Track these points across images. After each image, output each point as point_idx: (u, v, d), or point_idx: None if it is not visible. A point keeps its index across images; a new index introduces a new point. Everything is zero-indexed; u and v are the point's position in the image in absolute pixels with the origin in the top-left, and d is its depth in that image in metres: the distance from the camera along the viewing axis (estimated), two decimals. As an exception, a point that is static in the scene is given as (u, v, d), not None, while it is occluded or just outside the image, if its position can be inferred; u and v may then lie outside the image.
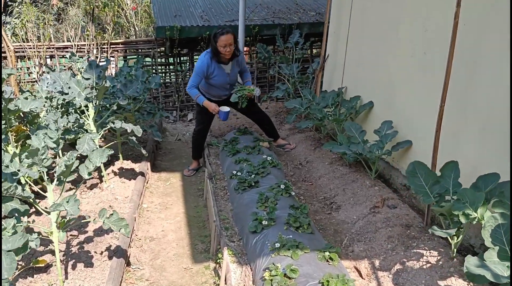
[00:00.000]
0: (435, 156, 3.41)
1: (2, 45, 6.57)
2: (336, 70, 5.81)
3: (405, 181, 4.29)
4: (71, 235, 3.69)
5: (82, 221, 3.09)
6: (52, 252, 3.37)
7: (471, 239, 3.37)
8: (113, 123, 4.32)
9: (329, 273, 2.81)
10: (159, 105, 7.60)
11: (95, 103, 4.38)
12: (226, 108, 4.97)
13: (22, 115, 4.39)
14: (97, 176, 4.81)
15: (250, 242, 3.39)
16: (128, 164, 5.11)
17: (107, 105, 4.77)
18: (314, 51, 9.48)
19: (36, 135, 2.82)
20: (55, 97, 4.71)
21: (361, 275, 3.27)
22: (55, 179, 2.74)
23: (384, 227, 3.61)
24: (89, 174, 2.79)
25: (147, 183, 5.06)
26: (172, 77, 8.65)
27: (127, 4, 11.50)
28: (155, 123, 6.47)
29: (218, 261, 3.48)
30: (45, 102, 4.54)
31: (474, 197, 2.67)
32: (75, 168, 2.81)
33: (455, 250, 3.04)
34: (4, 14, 14.23)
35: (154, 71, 8.39)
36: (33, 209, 3.97)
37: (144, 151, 4.82)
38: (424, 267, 3.07)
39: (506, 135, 3.03)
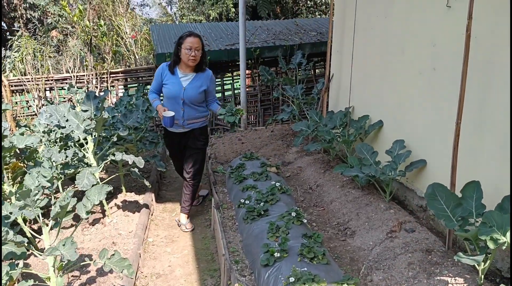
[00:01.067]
0: (454, 175, 3.21)
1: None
2: (342, 89, 5.66)
3: (421, 202, 4.09)
4: (72, 276, 3.49)
5: (82, 263, 2.89)
6: (53, 297, 3.17)
7: (498, 263, 3.15)
8: (114, 155, 4.16)
9: (349, 309, 2.61)
10: (161, 133, 7.45)
11: (94, 135, 4.23)
12: (170, 113, 4.16)
13: (19, 151, 4.24)
14: (100, 210, 4.63)
15: (263, 276, 3.18)
16: (131, 196, 4.93)
17: (108, 137, 4.61)
18: (317, 71, 9.38)
19: (29, 174, 2.65)
20: (53, 131, 4.57)
21: (382, 308, 3.05)
22: (51, 220, 2.56)
23: (404, 253, 3.40)
24: (87, 213, 2.61)
25: (152, 215, 4.87)
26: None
27: (127, 32, 11.47)
28: (158, 152, 6.31)
29: (229, 298, 3.28)
30: (42, 136, 4.39)
31: (501, 220, 2.47)
32: (72, 207, 2.64)
33: (482, 276, 2.82)
34: (4, 48, 14.28)
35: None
36: (30, 251, 3.78)
37: (147, 183, 4.64)
38: (451, 296, 2.85)
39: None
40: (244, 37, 7.23)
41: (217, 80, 8.94)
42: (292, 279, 2.89)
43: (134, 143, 4.89)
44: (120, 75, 8.31)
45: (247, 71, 8.92)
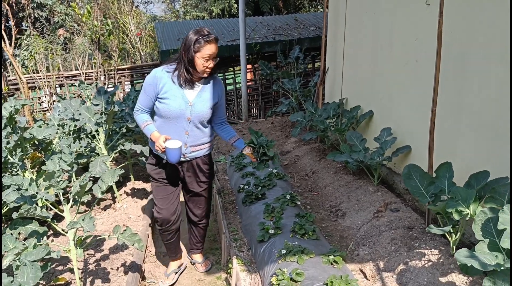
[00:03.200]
0: (431, 158, 3.55)
1: (15, 78, 6.85)
2: (337, 82, 5.99)
3: (407, 185, 4.42)
4: (88, 254, 3.87)
5: (98, 238, 3.26)
6: (71, 271, 3.55)
7: (472, 237, 3.48)
8: (123, 145, 4.52)
9: (333, 274, 2.95)
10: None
11: (105, 128, 4.59)
12: (176, 143, 3.03)
13: (37, 143, 4.61)
14: (110, 197, 5.00)
15: (258, 251, 3.54)
16: (139, 184, 5.30)
17: (117, 129, 4.97)
18: (316, 64, 9.70)
19: (51, 159, 3.02)
20: (66, 124, 4.93)
21: (366, 277, 3.40)
22: (71, 200, 2.92)
23: (388, 230, 3.74)
24: (102, 193, 2.97)
25: (158, 201, 5.24)
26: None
27: (132, 30, 11.83)
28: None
29: (228, 271, 3.64)
30: (58, 129, 4.76)
31: (466, 194, 2.81)
32: (89, 189, 3.01)
33: (454, 247, 3.16)
34: (13, 47, 14.65)
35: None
36: (50, 232, 4.17)
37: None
38: (426, 265, 3.19)
39: (498, 135, 3.18)
40: (244, 33, 7.57)
41: (219, 75, 9.24)
42: (283, 251, 3.25)
43: (142, 134, 5.25)
44: (127, 71, 8.68)
45: (249, 66, 9.27)
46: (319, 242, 3.52)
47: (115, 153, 4.79)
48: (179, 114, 3.12)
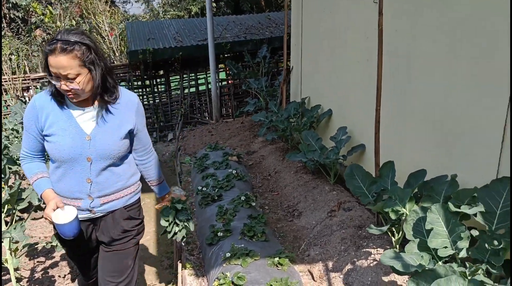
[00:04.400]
0: (378, 157, 3.54)
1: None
2: (299, 81, 5.98)
3: (363, 184, 4.42)
4: (38, 261, 3.82)
5: (36, 246, 3.22)
6: (18, 280, 3.49)
7: (419, 235, 3.49)
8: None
9: (274, 277, 2.94)
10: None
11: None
12: (66, 215, 2.09)
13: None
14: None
15: (207, 254, 3.52)
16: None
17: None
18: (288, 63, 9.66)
19: (-14, 167, 2.97)
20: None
21: (313, 278, 3.38)
22: (5, 208, 2.88)
23: (339, 230, 3.73)
24: (39, 200, 2.94)
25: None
26: (150, 99, 8.83)
27: (106, 30, 11.73)
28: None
29: (178, 275, 3.61)
30: (11, 133, 4.70)
31: (403, 193, 2.81)
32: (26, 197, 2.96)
33: (397, 246, 3.16)
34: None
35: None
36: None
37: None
38: (371, 265, 3.18)
39: (442, 134, 3.18)
40: (212, 33, 7.53)
41: (191, 75, 9.11)
42: (228, 254, 3.22)
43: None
44: (97, 73, 8.61)
45: (222, 65, 9.22)
46: (267, 244, 3.50)
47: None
48: (73, 154, 2.13)
